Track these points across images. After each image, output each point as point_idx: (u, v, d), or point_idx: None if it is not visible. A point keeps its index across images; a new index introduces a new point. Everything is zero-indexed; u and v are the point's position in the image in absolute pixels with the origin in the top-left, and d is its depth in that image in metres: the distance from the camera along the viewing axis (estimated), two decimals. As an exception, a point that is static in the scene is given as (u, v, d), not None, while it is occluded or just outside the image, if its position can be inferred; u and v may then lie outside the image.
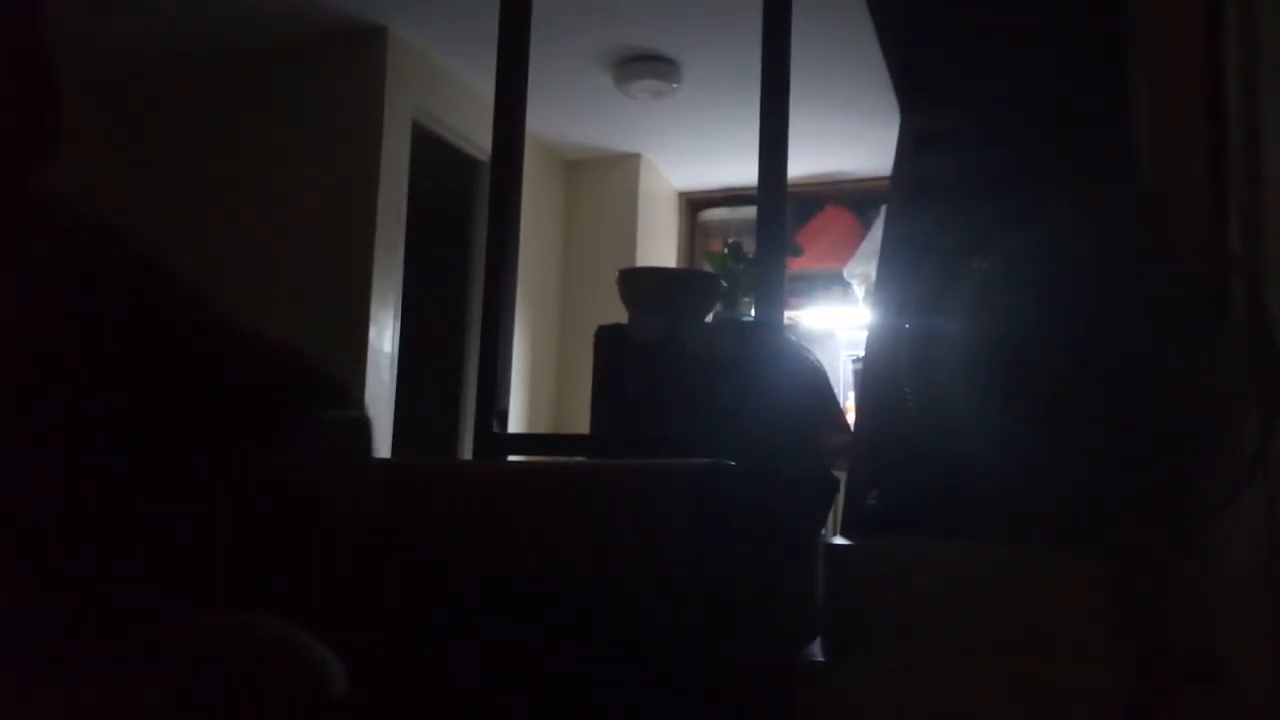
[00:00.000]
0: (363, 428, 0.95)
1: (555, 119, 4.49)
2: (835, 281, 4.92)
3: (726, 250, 2.50)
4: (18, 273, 0.80)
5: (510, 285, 1.97)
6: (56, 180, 0.87)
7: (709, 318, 2.32)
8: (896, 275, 1.97)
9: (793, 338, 2.41)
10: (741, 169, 4.96)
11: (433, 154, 4.09)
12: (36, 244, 0.83)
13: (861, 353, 3.03)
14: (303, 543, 0.99)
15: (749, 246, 2.28)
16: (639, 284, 2.29)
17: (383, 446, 3.68)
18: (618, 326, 2.20)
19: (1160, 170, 1.64)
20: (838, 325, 4.95)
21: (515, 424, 4.35)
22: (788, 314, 3.64)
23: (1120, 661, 1.30)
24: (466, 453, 4.14)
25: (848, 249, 4.89)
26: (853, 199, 5.10)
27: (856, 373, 3.92)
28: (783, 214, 1.83)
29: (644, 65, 3.95)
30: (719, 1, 3.44)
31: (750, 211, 4.77)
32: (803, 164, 4.78)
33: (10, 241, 0.81)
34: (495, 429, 1.92)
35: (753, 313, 2.16)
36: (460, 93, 4.09)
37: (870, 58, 2.54)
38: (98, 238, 0.85)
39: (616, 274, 2.32)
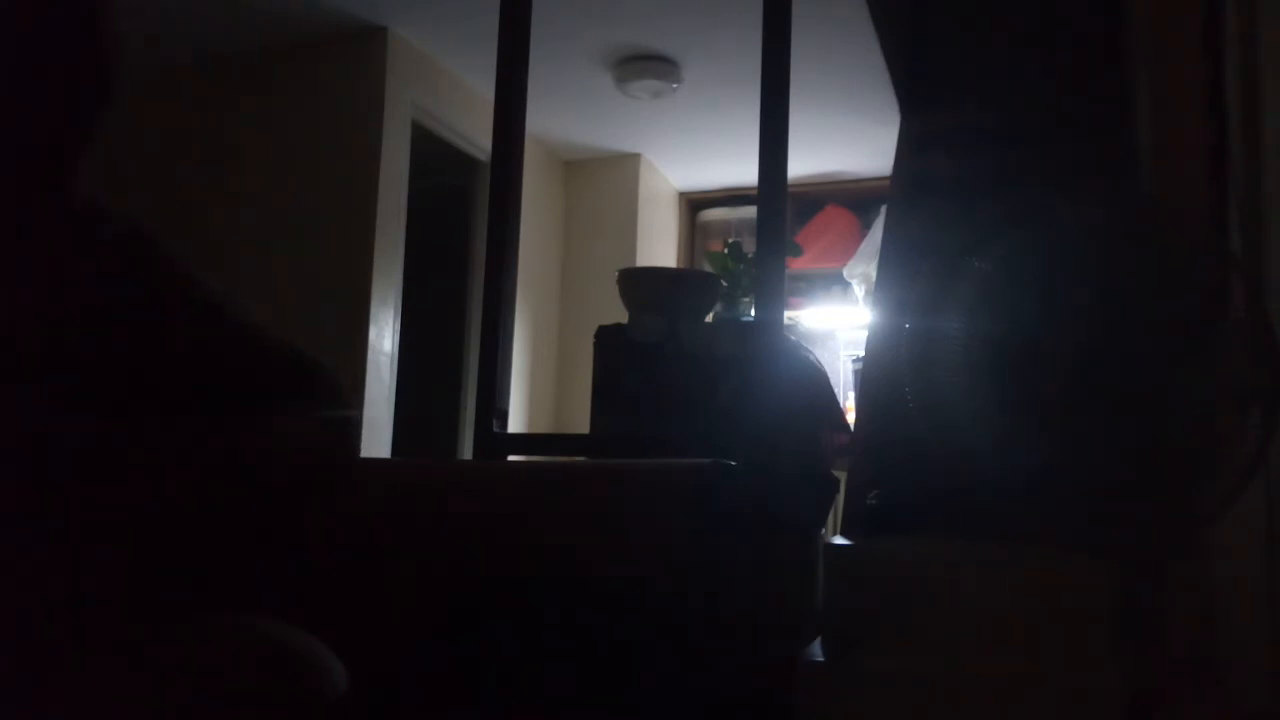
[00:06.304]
0: (353, 427, 0.94)
1: (555, 119, 4.49)
2: (835, 281, 4.93)
3: (726, 250, 2.50)
4: (32, 261, 0.80)
5: (510, 285, 1.97)
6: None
7: (709, 318, 2.31)
8: (896, 275, 1.97)
9: (793, 338, 2.41)
10: (741, 169, 4.96)
11: (433, 154, 4.09)
12: (55, 239, 0.83)
13: (861, 353, 3.03)
14: (303, 543, 0.99)
15: (749, 246, 2.28)
16: (639, 284, 2.29)
17: (383, 446, 3.68)
18: (618, 326, 2.20)
19: (1160, 170, 1.64)
20: (838, 325, 4.96)
21: (515, 424, 4.35)
22: (788, 314, 3.64)
23: (1120, 661, 1.30)
24: (466, 453, 4.14)
25: (848, 249, 4.90)
26: (853, 199, 5.10)
27: (856, 373, 3.92)
28: (783, 214, 1.83)
29: (644, 65, 3.95)
30: (719, 1, 3.44)
31: (750, 211, 4.78)
32: (803, 164, 4.79)
33: (32, 232, 0.81)
34: (495, 429, 1.92)
35: (753, 313, 2.16)
36: (460, 93, 4.10)
37: (870, 58, 2.54)
38: (109, 230, 0.85)
39: (616, 274, 2.32)
